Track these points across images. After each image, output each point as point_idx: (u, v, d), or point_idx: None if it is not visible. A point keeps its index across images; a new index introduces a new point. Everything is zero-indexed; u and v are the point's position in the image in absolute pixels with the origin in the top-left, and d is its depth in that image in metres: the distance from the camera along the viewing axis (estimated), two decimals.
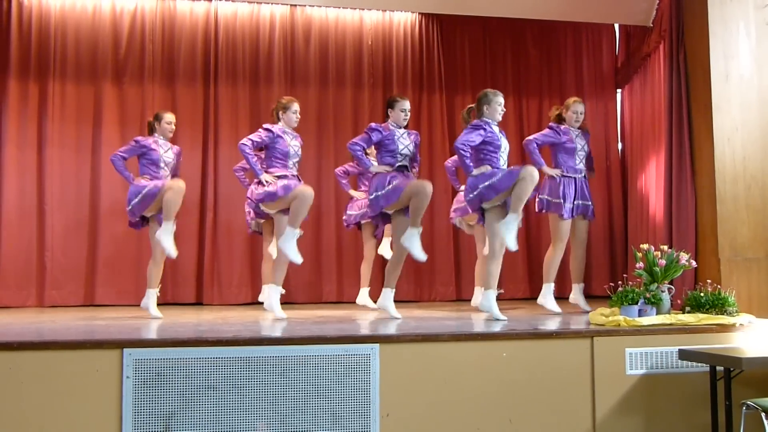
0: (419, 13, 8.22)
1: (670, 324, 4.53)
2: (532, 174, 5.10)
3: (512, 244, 5.13)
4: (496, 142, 5.27)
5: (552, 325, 4.82)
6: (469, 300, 6.77)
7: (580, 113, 5.96)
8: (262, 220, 6.60)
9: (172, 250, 5.58)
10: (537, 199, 5.90)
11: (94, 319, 5.60)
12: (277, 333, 4.46)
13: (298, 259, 5.40)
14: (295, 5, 7.88)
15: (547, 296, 5.74)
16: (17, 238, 7.22)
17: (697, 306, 4.84)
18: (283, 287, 5.70)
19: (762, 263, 5.46)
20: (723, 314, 4.72)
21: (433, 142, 8.00)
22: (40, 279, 7.24)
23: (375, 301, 6.66)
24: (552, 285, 5.77)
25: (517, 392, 4.18)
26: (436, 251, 7.77)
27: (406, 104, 5.55)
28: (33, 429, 3.72)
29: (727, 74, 5.61)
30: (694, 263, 5.10)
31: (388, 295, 5.40)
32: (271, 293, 5.45)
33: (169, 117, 5.98)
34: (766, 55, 5.66)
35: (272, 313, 5.46)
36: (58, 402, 3.74)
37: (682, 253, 4.95)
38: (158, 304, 5.82)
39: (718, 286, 4.99)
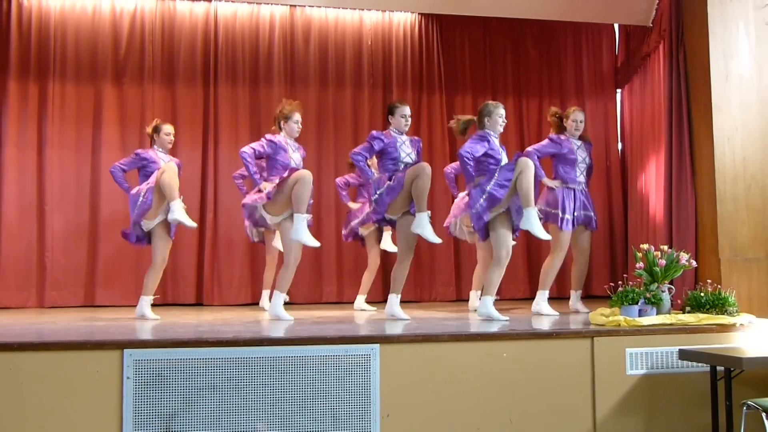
0: (419, 14, 8.23)
1: (671, 324, 4.53)
2: (526, 163, 5.10)
3: (543, 234, 5.13)
4: (497, 156, 5.27)
5: (552, 325, 4.82)
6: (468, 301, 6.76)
7: (580, 121, 5.94)
8: (263, 229, 6.57)
9: (190, 222, 5.56)
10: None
11: (95, 319, 5.60)
12: (278, 333, 4.46)
13: (314, 242, 5.36)
14: (295, 6, 7.88)
15: (541, 303, 5.69)
16: (17, 239, 7.22)
17: (698, 306, 4.84)
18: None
19: (762, 263, 5.46)
20: (723, 314, 4.72)
21: (433, 142, 8.00)
22: (41, 280, 7.24)
23: (374, 303, 6.71)
24: (547, 293, 5.74)
25: (517, 392, 4.18)
26: (436, 252, 7.77)
27: (407, 110, 5.51)
28: (33, 430, 3.71)
29: (727, 74, 5.61)
30: (694, 263, 5.10)
31: (394, 301, 5.36)
32: (275, 301, 5.43)
33: (167, 128, 5.96)
34: (766, 55, 5.66)
35: (276, 318, 5.43)
36: (59, 403, 3.74)
37: (682, 253, 4.95)
38: (158, 305, 5.82)
39: (719, 286, 4.99)
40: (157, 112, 7.54)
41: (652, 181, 6.91)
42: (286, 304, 5.51)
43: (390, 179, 5.31)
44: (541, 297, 5.73)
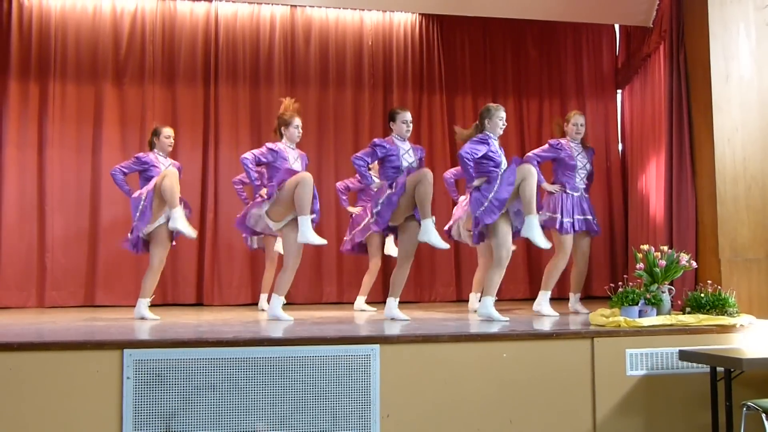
0: (419, 14, 8.23)
1: (671, 325, 4.53)
2: (529, 170, 5.11)
3: (544, 243, 5.13)
4: (497, 159, 5.27)
5: (552, 325, 4.82)
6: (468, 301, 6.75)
7: (581, 125, 5.94)
8: (262, 236, 6.57)
9: (191, 231, 5.56)
10: None
11: (95, 320, 5.60)
12: (278, 334, 4.46)
13: (321, 241, 5.35)
14: (295, 6, 7.88)
15: (542, 303, 5.70)
16: (17, 239, 7.23)
17: (698, 307, 4.84)
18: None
19: (762, 264, 5.46)
20: (723, 315, 4.72)
21: (433, 142, 8.00)
22: (41, 280, 7.25)
23: (374, 303, 6.71)
24: (549, 293, 5.75)
25: (517, 393, 4.17)
26: (436, 252, 7.74)
27: (408, 115, 5.48)
28: (33, 430, 3.71)
29: (728, 75, 5.61)
30: (694, 264, 5.10)
31: (392, 304, 5.34)
32: (274, 303, 5.43)
33: (167, 131, 5.94)
34: (766, 55, 5.66)
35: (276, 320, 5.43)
36: (59, 403, 3.74)
37: (682, 254, 4.95)
38: (158, 305, 5.82)
39: (719, 287, 4.99)
40: (157, 112, 7.55)
41: (652, 182, 6.91)
42: (285, 305, 5.51)
43: (390, 186, 5.29)
44: (543, 297, 5.73)
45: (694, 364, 4.30)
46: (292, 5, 7.86)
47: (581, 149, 5.95)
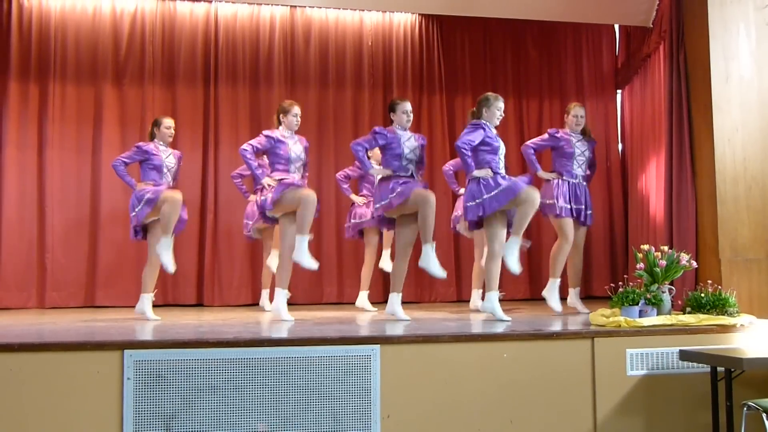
0: (419, 14, 8.23)
1: (671, 325, 4.53)
2: (534, 199, 5.12)
3: (515, 267, 5.14)
4: (494, 144, 5.27)
5: (553, 325, 4.82)
6: (470, 300, 6.76)
7: (581, 117, 5.96)
8: (263, 226, 6.57)
9: (171, 266, 5.58)
10: None
11: (95, 320, 5.60)
12: (278, 334, 4.46)
13: (313, 265, 5.41)
14: (295, 6, 7.88)
15: (551, 291, 5.75)
16: (18, 240, 7.23)
17: (698, 307, 4.84)
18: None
19: (762, 264, 5.46)
20: (724, 315, 4.72)
21: (433, 143, 7.99)
22: (41, 280, 7.25)
23: (374, 303, 6.71)
24: (557, 281, 5.77)
25: (517, 393, 4.17)
26: (436, 253, 7.75)
27: (407, 105, 5.50)
28: (33, 430, 3.71)
29: (728, 75, 5.61)
30: (694, 264, 5.10)
31: (395, 299, 5.37)
32: (277, 298, 5.45)
33: (168, 122, 5.96)
34: (766, 55, 5.66)
35: (278, 316, 5.45)
36: (59, 403, 3.74)
37: (682, 254, 4.95)
38: (158, 305, 5.83)
39: (719, 287, 4.98)
40: (157, 112, 7.51)
41: (652, 182, 6.91)
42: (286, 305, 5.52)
43: (392, 190, 5.27)
44: (552, 285, 5.77)
45: (695, 364, 4.30)
46: (291, 6, 7.86)
47: (581, 138, 5.96)
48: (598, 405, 4.26)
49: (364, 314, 6.20)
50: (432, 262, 5.25)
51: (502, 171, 5.28)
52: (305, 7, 7.89)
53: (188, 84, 7.73)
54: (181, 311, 6.64)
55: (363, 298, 6.65)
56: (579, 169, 5.91)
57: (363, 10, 8.10)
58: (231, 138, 7.67)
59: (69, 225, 7.37)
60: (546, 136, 5.98)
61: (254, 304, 7.36)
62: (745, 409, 3.82)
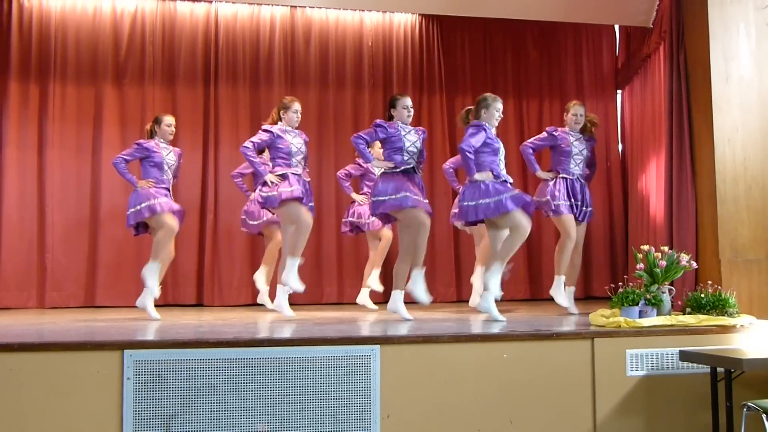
0: (419, 15, 8.23)
1: (671, 325, 4.53)
2: (524, 230, 5.14)
3: (475, 300, 5.18)
4: (495, 146, 5.28)
5: (552, 326, 4.81)
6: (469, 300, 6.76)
7: (580, 115, 5.96)
8: (263, 221, 6.60)
9: (156, 290, 5.59)
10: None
11: (95, 320, 5.60)
12: (278, 334, 4.46)
13: (300, 288, 5.44)
14: (296, 6, 7.88)
15: (557, 288, 5.77)
16: (18, 240, 7.22)
17: (698, 307, 4.84)
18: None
19: (762, 264, 5.46)
20: (723, 315, 4.72)
21: (433, 143, 7.99)
22: (41, 280, 7.25)
23: (375, 303, 6.71)
24: (563, 278, 5.78)
25: (517, 393, 4.17)
26: (436, 253, 7.78)
27: (408, 101, 5.50)
28: (33, 430, 3.71)
29: (728, 75, 5.61)
30: (694, 264, 5.10)
31: (397, 296, 5.35)
32: (279, 294, 5.48)
33: (168, 119, 5.97)
34: (766, 56, 5.66)
35: (280, 312, 5.47)
36: (59, 403, 3.74)
37: (682, 254, 4.95)
38: (158, 305, 5.81)
39: (719, 287, 4.98)
40: (157, 112, 7.47)
41: (652, 182, 6.91)
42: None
43: (398, 191, 5.24)
44: (557, 282, 5.78)
45: (695, 365, 4.30)
46: (291, 6, 7.86)
47: (579, 137, 5.96)
48: (598, 405, 4.26)
49: (364, 314, 6.20)
50: (419, 288, 5.28)
51: (503, 172, 5.28)
52: (305, 7, 7.89)
53: (188, 84, 7.73)
54: (181, 311, 6.64)
55: (364, 295, 6.65)
56: (577, 167, 5.90)
57: (363, 11, 8.10)
58: (231, 138, 7.66)
59: (69, 225, 7.37)
60: (544, 134, 5.99)
61: (254, 303, 7.35)
62: (744, 409, 3.82)
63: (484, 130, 5.27)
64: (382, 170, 5.46)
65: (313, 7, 7.92)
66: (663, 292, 4.83)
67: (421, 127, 5.70)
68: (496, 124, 5.39)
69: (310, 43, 8.01)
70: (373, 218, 6.43)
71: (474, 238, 6.63)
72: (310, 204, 5.67)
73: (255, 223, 6.67)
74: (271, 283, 6.73)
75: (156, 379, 3.80)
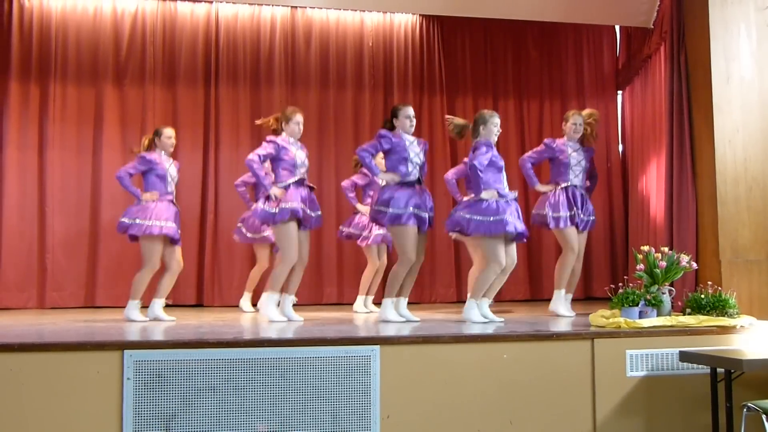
0: (420, 15, 8.23)
1: (671, 326, 4.53)
2: (509, 267, 5.20)
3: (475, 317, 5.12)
4: (499, 164, 5.27)
5: (552, 326, 4.82)
6: None
7: (579, 124, 5.89)
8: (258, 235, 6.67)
9: (139, 317, 5.57)
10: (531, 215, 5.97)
11: (95, 320, 5.60)
12: (278, 335, 4.46)
13: (277, 318, 5.38)
14: (296, 7, 7.89)
15: (556, 302, 5.71)
16: (18, 240, 7.23)
17: (698, 308, 4.83)
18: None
19: (763, 265, 5.46)
20: (724, 316, 4.71)
21: (434, 143, 7.99)
22: (41, 281, 7.26)
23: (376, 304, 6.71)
24: (562, 292, 5.73)
25: (517, 394, 4.17)
26: (436, 253, 7.79)
27: (410, 110, 5.45)
28: (34, 430, 3.71)
29: (728, 76, 5.61)
30: (694, 265, 5.10)
31: (385, 303, 5.28)
32: (284, 303, 5.46)
33: (168, 131, 5.90)
34: (767, 56, 5.66)
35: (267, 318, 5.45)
36: (59, 404, 3.74)
37: (682, 255, 4.95)
38: None
39: (719, 288, 4.98)
40: (158, 113, 7.56)
41: (652, 183, 6.91)
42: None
43: (407, 204, 5.21)
44: (556, 296, 5.73)
45: (695, 365, 4.30)
46: (292, 6, 7.86)
47: (578, 147, 5.92)
48: (598, 406, 4.26)
49: (364, 315, 6.20)
50: (387, 312, 5.22)
51: (506, 189, 5.26)
52: (306, 7, 7.90)
53: (189, 84, 7.74)
54: (181, 312, 6.64)
55: (359, 303, 6.62)
56: (576, 178, 5.84)
57: (364, 11, 8.10)
58: (231, 139, 7.67)
59: (69, 225, 7.38)
60: (542, 146, 5.94)
61: (254, 304, 7.34)
62: (744, 410, 3.81)
63: (492, 147, 5.27)
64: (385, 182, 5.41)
65: (314, 8, 7.93)
66: (663, 293, 4.83)
67: (422, 139, 5.65)
68: (496, 139, 5.36)
69: (311, 43, 8.02)
70: (370, 234, 6.43)
71: (467, 243, 6.59)
72: (316, 213, 5.58)
73: (250, 235, 6.67)
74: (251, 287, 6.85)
75: (156, 379, 3.80)
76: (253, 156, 5.44)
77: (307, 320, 5.46)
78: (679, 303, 5.09)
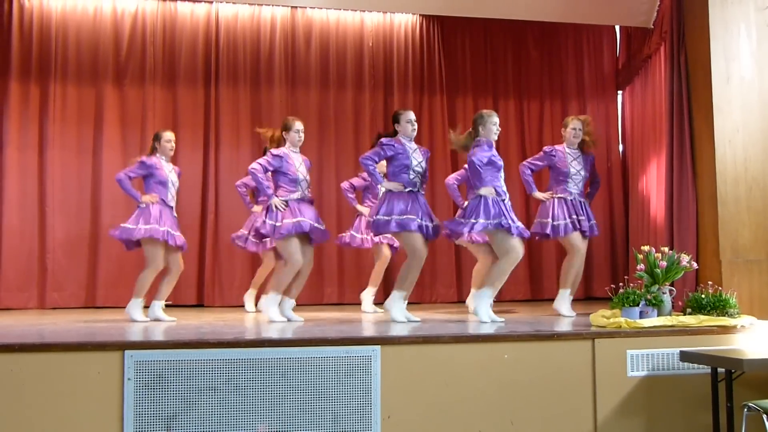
0: (420, 15, 8.23)
1: (672, 326, 4.53)
2: (517, 255, 5.17)
3: (486, 317, 5.12)
4: (498, 163, 5.28)
5: (553, 326, 4.82)
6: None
7: (579, 130, 5.89)
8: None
9: (141, 317, 5.58)
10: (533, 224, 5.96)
11: (96, 321, 5.61)
12: (279, 335, 4.46)
13: (278, 319, 5.39)
14: (296, 7, 7.89)
15: (560, 301, 5.72)
16: (19, 240, 7.23)
17: (698, 308, 4.84)
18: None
19: (763, 265, 5.46)
20: (724, 316, 4.71)
21: (434, 143, 7.98)
22: (42, 281, 7.26)
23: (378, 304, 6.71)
24: (567, 291, 5.73)
25: (518, 394, 4.17)
26: (437, 253, 7.78)
27: (411, 115, 5.44)
28: (34, 431, 3.71)
29: (728, 76, 5.61)
30: (695, 265, 5.10)
31: (394, 296, 5.29)
32: (284, 305, 5.47)
33: (168, 135, 5.88)
34: (767, 56, 5.66)
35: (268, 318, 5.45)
36: (60, 404, 3.74)
37: (683, 255, 4.95)
38: None
39: (719, 288, 4.98)
40: (158, 113, 7.57)
41: (653, 183, 6.91)
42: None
43: (409, 211, 5.21)
44: (561, 296, 5.74)
45: (695, 365, 4.30)
46: (292, 6, 7.86)
47: (578, 155, 5.90)
48: (599, 406, 4.26)
49: (364, 315, 6.20)
50: (395, 307, 5.22)
51: (504, 189, 5.27)
52: (306, 7, 7.90)
53: (189, 84, 7.74)
54: (182, 312, 6.64)
55: (368, 300, 6.61)
56: (575, 187, 5.84)
57: (364, 11, 8.10)
58: (232, 139, 7.67)
59: (70, 225, 7.38)
60: (541, 154, 5.95)
61: (255, 303, 7.35)
62: (745, 410, 3.82)
63: (492, 147, 5.28)
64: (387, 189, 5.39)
65: (314, 8, 7.93)
66: (663, 293, 4.83)
67: (424, 147, 5.64)
68: (495, 138, 5.36)
69: (311, 43, 8.02)
70: (368, 236, 6.43)
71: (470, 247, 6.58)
72: (318, 224, 5.57)
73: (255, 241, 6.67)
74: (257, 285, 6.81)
75: (157, 379, 3.80)
76: (256, 165, 5.45)
77: (308, 320, 5.46)
78: (680, 303, 5.09)
